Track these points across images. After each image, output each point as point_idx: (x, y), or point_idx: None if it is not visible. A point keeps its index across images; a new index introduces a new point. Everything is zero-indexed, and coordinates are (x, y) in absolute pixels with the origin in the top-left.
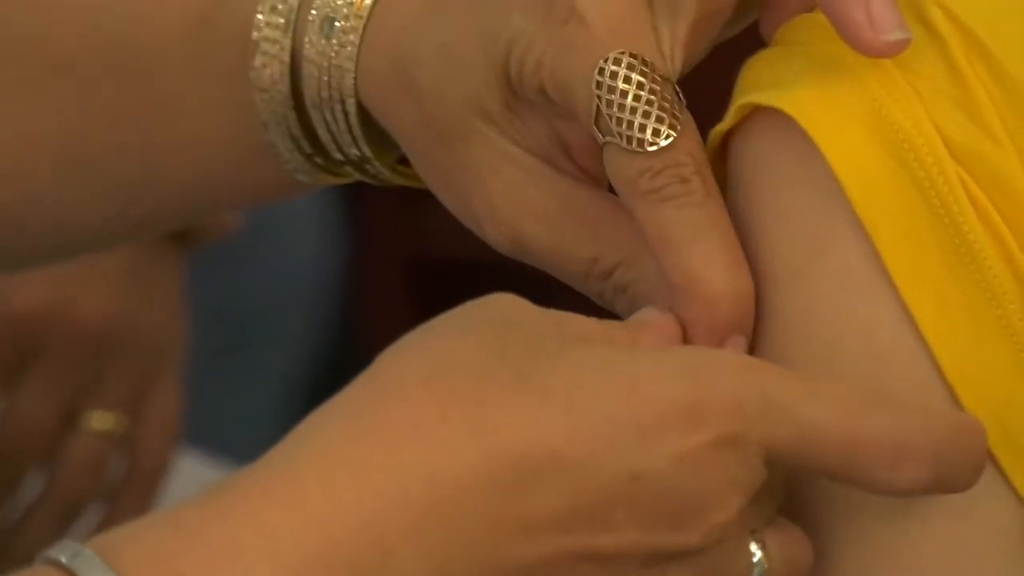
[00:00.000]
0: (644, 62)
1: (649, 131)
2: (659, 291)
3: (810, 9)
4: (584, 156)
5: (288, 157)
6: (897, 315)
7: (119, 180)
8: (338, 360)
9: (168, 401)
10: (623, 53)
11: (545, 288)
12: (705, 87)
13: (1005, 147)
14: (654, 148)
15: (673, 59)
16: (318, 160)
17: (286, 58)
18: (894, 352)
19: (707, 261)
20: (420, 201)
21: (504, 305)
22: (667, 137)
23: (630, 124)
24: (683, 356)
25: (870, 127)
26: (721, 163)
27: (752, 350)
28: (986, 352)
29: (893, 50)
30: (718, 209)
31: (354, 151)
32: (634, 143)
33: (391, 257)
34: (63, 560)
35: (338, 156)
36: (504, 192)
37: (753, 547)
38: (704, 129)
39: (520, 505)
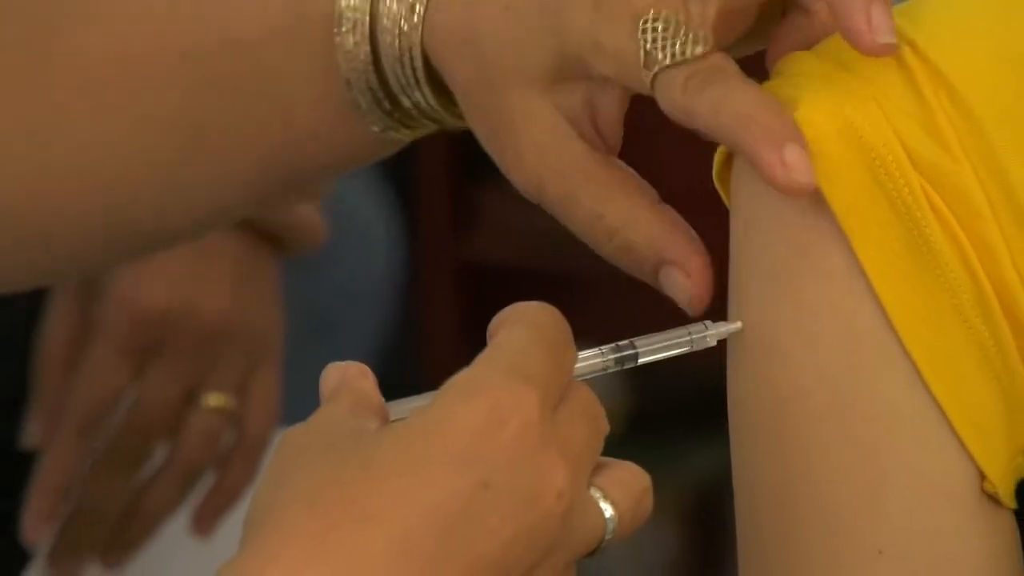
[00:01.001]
0: (671, 12)
1: (688, 47)
2: (653, 258)
3: (808, 47)
4: (607, 126)
5: (367, 109)
6: (870, 304)
7: (233, 156)
8: (399, 351)
9: (269, 384)
10: (657, 10)
11: (580, 290)
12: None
13: (961, 163)
14: (693, 56)
15: (703, 24)
16: (390, 108)
17: (365, 21)
18: (868, 335)
19: (751, 98)
20: (470, 214)
21: (298, 440)
22: (701, 46)
23: (672, 47)
24: (457, 387)
25: (848, 147)
26: (724, 177)
27: (746, 333)
28: (944, 334)
29: (885, 51)
30: (749, 80)
31: (419, 97)
32: (677, 56)
33: (443, 263)
34: None
35: (407, 104)
36: (532, 144)
37: (595, 494)
38: (711, 149)
39: (438, 559)
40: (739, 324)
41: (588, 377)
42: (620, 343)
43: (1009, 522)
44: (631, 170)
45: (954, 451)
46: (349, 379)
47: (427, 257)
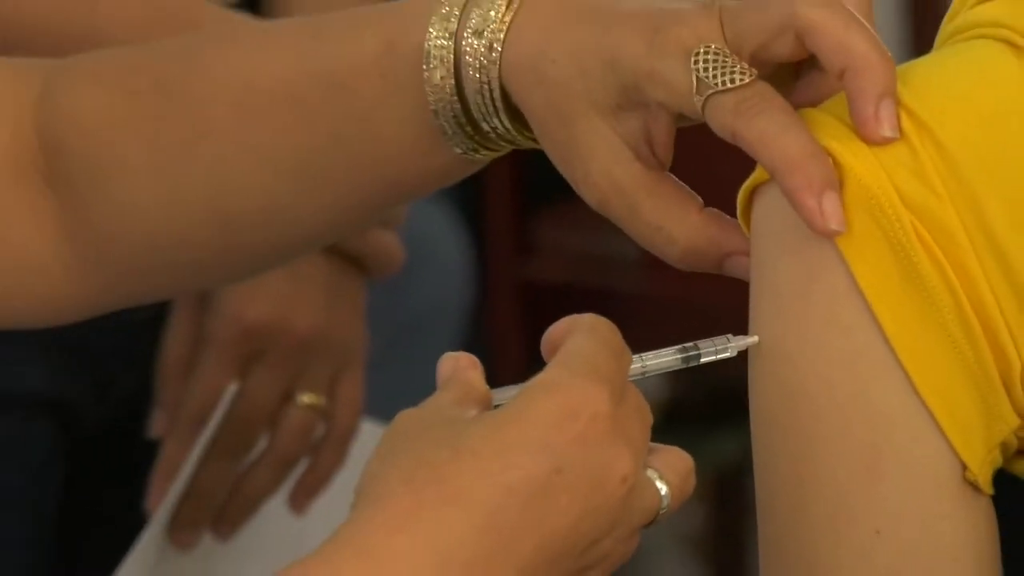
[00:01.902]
0: (719, 47)
1: (736, 76)
2: (717, 253)
3: (818, 102)
4: (660, 147)
5: (452, 134)
6: (868, 319)
7: (332, 179)
8: None
9: (354, 385)
10: (707, 45)
11: (629, 305)
12: (740, 156)
13: (944, 202)
14: (741, 84)
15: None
16: (471, 132)
17: (450, 58)
18: (866, 347)
19: (797, 141)
20: (531, 239)
21: (412, 425)
22: (747, 77)
23: (722, 76)
24: (539, 385)
25: (849, 190)
26: (746, 213)
27: (762, 345)
28: (931, 346)
29: (885, 142)
30: (792, 112)
31: (497, 123)
32: (727, 84)
33: (508, 282)
34: None
35: (486, 128)
36: (597, 165)
37: (651, 475)
38: (736, 188)
39: (518, 532)
40: (756, 338)
41: (638, 378)
42: (686, 345)
43: (988, 506)
44: (681, 182)
45: (940, 445)
46: (459, 370)
47: (493, 277)
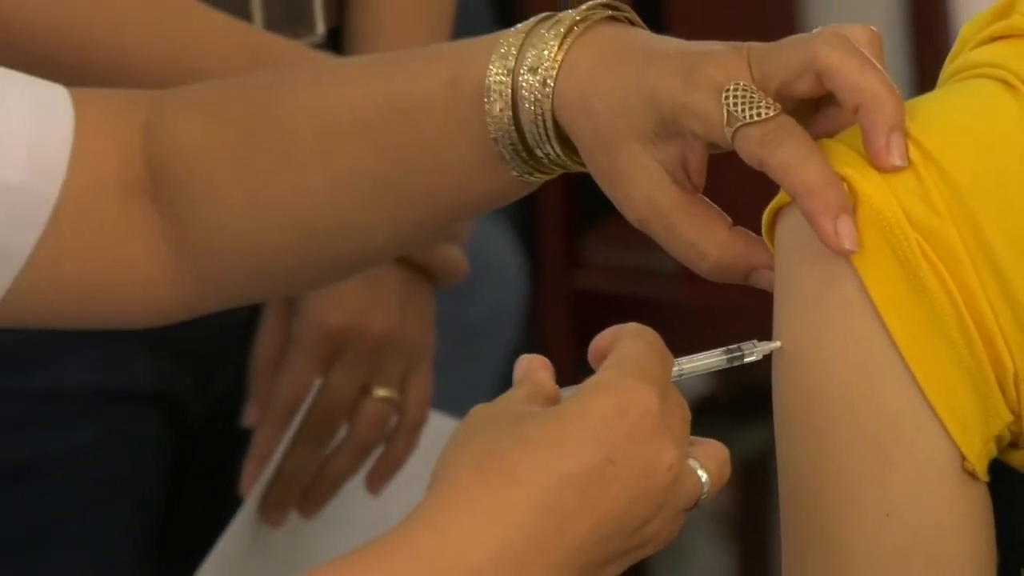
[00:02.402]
0: (747, 84)
1: (762, 110)
2: (743, 267)
3: (835, 133)
4: (694, 172)
5: (509, 159)
6: (878, 327)
7: (402, 200)
8: None
9: (423, 381)
10: (736, 82)
11: (667, 313)
12: (765, 180)
13: (947, 223)
14: (766, 118)
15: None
16: (527, 157)
17: (508, 92)
18: (877, 351)
19: (816, 170)
20: (580, 254)
21: (485, 418)
22: (772, 111)
23: (750, 110)
24: (594, 385)
25: (862, 212)
26: (770, 232)
27: (784, 349)
28: (934, 351)
29: (896, 170)
30: (811, 142)
31: (549, 149)
32: (754, 117)
33: (559, 293)
34: None
35: (540, 154)
36: (638, 189)
37: (693, 464)
38: (761, 208)
39: (575, 515)
40: (779, 343)
41: (676, 379)
42: (730, 347)
43: (984, 493)
44: (712, 203)
45: (942, 439)
46: (531, 371)
47: (545, 288)
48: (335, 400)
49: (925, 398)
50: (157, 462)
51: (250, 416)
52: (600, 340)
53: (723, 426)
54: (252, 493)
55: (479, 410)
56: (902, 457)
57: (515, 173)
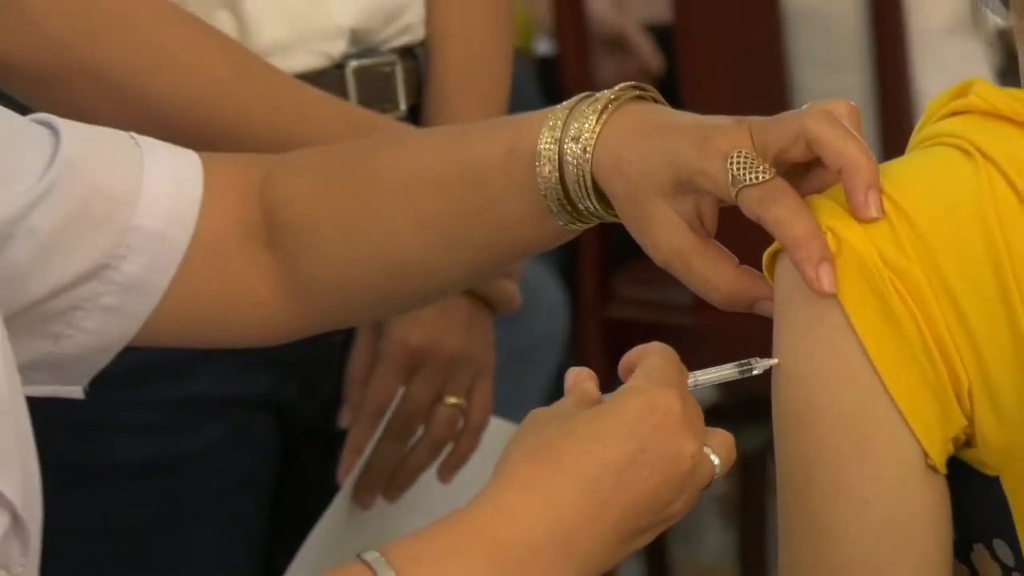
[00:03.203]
0: (749, 152)
1: (760, 174)
2: (749, 299)
3: (823, 190)
4: (708, 221)
5: (556, 212)
6: (859, 349)
7: (466, 245)
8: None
9: (485, 391)
10: (739, 151)
11: (684, 337)
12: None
13: (914, 264)
14: (763, 180)
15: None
16: (570, 210)
17: (555, 157)
18: (857, 368)
19: (803, 226)
20: (613, 288)
21: (540, 419)
22: (768, 175)
23: (750, 174)
24: (627, 390)
25: (845, 255)
26: (770, 268)
27: (781, 365)
28: (904, 368)
29: (872, 221)
30: (800, 202)
31: (589, 203)
32: (753, 180)
33: (594, 321)
34: (367, 558)
35: (581, 207)
36: (662, 235)
37: (707, 451)
38: (761, 250)
39: (613, 494)
40: (777, 360)
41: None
42: (741, 362)
43: (944, 483)
44: (722, 246)
45: (909, 439)
46: (579, 381)
47: (583, 317)
48: (414, 406)
49: (896, 405)
50: (270, 457)
51: (345, 418)
52: (629, 356)
53: (728, 428)
54: (347, 481)
55: (536, 413)
56: (877, 453)
57: (560, 223)
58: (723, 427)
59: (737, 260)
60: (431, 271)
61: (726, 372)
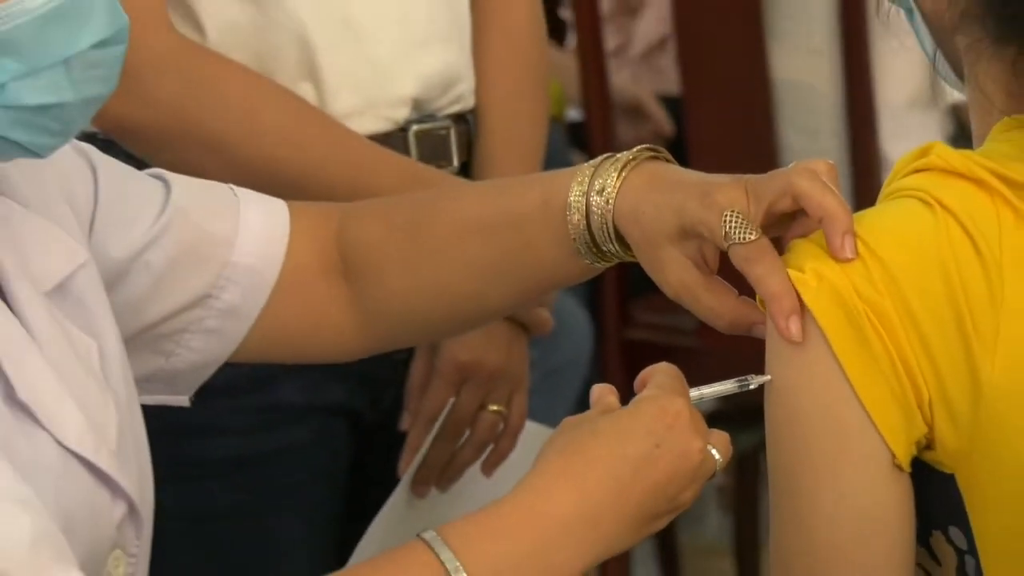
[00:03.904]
0: (740, 212)
1: (748, 235)
2: (747, 324)
3: (807, 235)
4: (711, 262)
5: (584, 253)
6: (836, 368)
7: (508, 280)
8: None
9: (522, 401)
10: (733, 210)
11: (691, 357)
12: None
13: (884, 297)
14: (750, 240)
15: (755, 217)
16: (596, 251)
17: (583, 208)
18: (835, 383)
19: (778, 284)
20: (631, 314)
21: (571, 424)
22: (754, 236)
23: (740, 233)
24: (643, 398)
25: (824, 289)
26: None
27: (773, 381)
28: (874, 384)
29: (848, 261)
30: (778, 261)
31: (611, 247)
32: (742, 239)
33: (615, 342)
34: (426, 537)
35: (605, 249)
36: (672, 274)
37: (710, 449)
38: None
39: (632, 482)
40: (769, 377)
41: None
42: (740, 378)
43: (908, 480)
44: (724, 281)
45: (879, 442)
46: (603, 395)
47: (605, 339)
48: (462, 412)
49: (867, 414)
50: (343, 455)
51: (405, 422)
52: (643, 374)
53: (727, 430)
54: (406, 475)
55: (567, 420)
56: (853, 454)
57: (587, 262)
58: (722, 430)
59: (736, 292)
60: (478, 302)
61: (727, 387)
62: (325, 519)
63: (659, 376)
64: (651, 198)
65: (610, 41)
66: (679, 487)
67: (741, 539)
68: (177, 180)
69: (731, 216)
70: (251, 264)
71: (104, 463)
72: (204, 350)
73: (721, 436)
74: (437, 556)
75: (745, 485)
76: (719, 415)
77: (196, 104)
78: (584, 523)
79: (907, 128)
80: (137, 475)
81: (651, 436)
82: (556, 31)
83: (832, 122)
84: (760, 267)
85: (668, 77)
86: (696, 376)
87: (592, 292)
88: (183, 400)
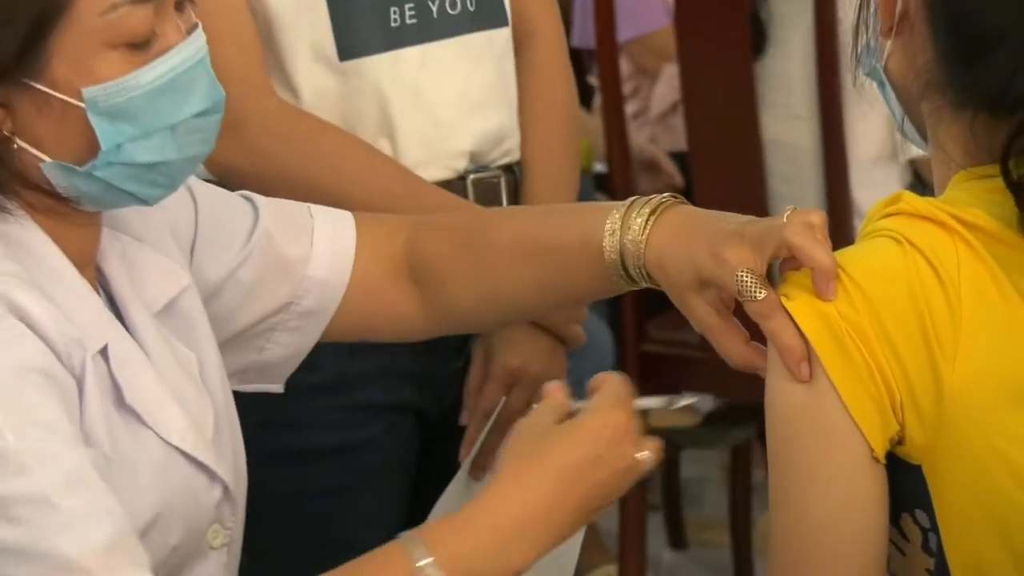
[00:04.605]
0: (752, 270)
1: (758, 292)
2: (753, 366)
3: (798, 269)
4: (728, 303)
5: (616, 278)
6: (825, 376)
7: (549, 293)
8: None
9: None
10: (744, 269)
11: (699, 368)
12: None
13: (863, 317)
14: (760, 298)
15: (759, 267)
16: (627, 278)
17: (617, 247)
18: (823, 389)
19: (789, 337)
20: (648, 331)
21: (527, 427)
22: (763, 293)
23: (752, 291)
24: (590, 409)
25: (814, 313)
26: None
27: (770, 390)
28: (856, 389)
29: (831, 298)
30: (786, 317)
31: (642, 279)
32: (753, 297)
33: (634, 354)
34: (403, 536)
35: (635, 276)
36: (695, 317)
37: (644, 454)
38: None
39: (576, 484)
40: (697, 398)
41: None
42: (673, 395)
43: (883, 470)
44: (738, 324)
45: (859, 438)
46: (551, 392)
47: (626, 352)
48: (512, 409)
49: (849, 414)
50: (413, 445)
51: (464, 418)
52: (594, 380)
53: (723, 427)
54: (465, 462)
55: (522, 423)
56: (837, 448)
57: (620, 284)
58: (720, 427)
59: (748, 336)
60: (524, 308)
61: (661, 401)
62: (398, 499)
63: (607, 387)
64: (672, 253)
65: (630, 106)
66: (616, 487)
67: (735, 516)
68: (264, 205)
69: (742, 276)
70: (323, 277)
71: (202, 455)
72: (290, 344)
73: (653, 443)
74: (409, 552)
75: (739, 470)
76: (717, 413)
77: (292, 156)
78: (536, 522)
79: (873, 179)
80: (232, 463)
81: (595, 446)
82: (584, 95)
83: (812, 174)
84: (772, 323)
85: (679, 136)
86: (701, 385)
87: (613, 311)
88: (278, 387)
